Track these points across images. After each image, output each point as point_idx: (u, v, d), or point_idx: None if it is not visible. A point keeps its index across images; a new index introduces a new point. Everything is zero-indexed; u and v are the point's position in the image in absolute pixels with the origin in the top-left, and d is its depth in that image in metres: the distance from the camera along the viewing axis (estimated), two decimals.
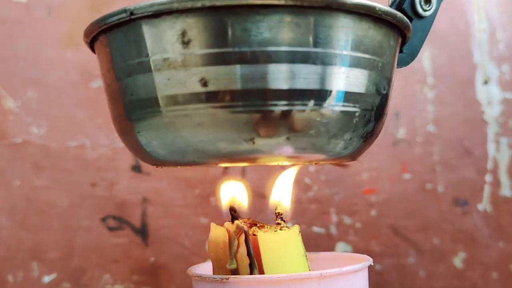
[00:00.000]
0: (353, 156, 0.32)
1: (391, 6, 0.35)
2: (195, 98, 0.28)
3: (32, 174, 0.52)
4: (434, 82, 0.59)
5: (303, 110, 0.28)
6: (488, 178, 0.59)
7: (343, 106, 0.29)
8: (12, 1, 0.53)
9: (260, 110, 0.28)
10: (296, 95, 0.28)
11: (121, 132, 0.33)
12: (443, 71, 0.60)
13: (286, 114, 0.28)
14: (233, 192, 0.38)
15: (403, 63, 0.35)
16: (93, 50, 0.33)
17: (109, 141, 0.54)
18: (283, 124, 0.28)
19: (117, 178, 0.54)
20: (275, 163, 0.32)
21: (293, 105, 0.28)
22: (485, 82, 0.60)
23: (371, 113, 0.31)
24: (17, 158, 0.52)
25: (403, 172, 0.59)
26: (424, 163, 0.59)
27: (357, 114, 0.30)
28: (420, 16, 0.35)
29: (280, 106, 0.28)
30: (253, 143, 0.28)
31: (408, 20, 0.31)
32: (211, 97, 0.28)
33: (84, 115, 0.54)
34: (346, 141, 0.30)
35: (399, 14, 0.30)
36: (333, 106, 0.29)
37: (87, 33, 0.31)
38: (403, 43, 0.34)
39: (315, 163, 0.33)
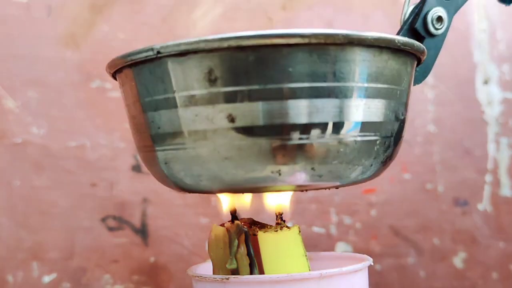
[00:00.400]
0: (370, 179, 0.33)
1: (403, 25, 0.35)
2: (222, 133, 0.29)
3: (32, 174, 0.52)
4: (434, 82, 0.59)
5: (327, 142, 0.29)
6: (488, 178, 0.59)
7: (364, 135, 0.30)
8: (12, 1, 0.53)
9: (286, 144, 0.29)
10: (320, 128, 0.29)
11: (147, 162, 0.34)
12: (443, 71, 0.60)
13: (311, 146, 0.29)
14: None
15: (416, 81, 0.36)
16: (114, 79, 0.34)
17: (109, 141, 0.54)
18: (309, 155, 0.29)
19: (117, 178, 0.54)
20: (298, 190, 0.34)
21: (318, 137, 0.29)
22: (485, 82, 0.60)
23: (390, 139, 0.32)
24: (17, 158, 0.52)
25: (403, 172, 0.59)
26: (424, 163, 0.59)
27: (378, 142, 0.31)
28: (432, 35, 0.35)
29: (305, 139, 0.29)
30: (280, 174, 0.30)
31: (423, 46, 0.32)
32: (239, 132, 0.29)
33: (84, 115, 0.54)
34: (366, 167, 0.31)
35: (416, 43, 0.31)
36: (355, 136, 0.30)
37: (111, 66, 0.32)
38: (417, 65, 0.34)
39: (336, 188, 0.34)
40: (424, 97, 0.59)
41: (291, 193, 0.38)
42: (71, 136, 0.53)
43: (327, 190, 0.57)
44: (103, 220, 0.54)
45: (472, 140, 0.59)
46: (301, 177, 0.30)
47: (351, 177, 0.31)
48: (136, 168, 0.54)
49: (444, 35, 0.36)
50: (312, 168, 0.30)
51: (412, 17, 0.35)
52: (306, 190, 0.35)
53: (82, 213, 0.53)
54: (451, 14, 0.36)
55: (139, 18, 0.55)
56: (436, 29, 0.35)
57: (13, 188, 0.52)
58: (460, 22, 0.60)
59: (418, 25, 0.35)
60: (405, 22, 0.35)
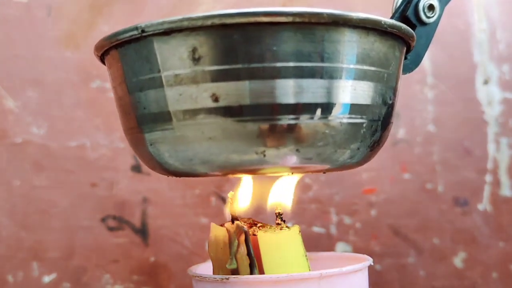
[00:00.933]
0: (359, 164, 0.33)
1: (394, 13, 0.35)
2: (206, 113, 0.29)
3: (32, 174, 0.53)
4: (434, 82, 0.59)
5: (312, 123, 0.29)
6: (488, 178, 0.59)
7: (350, 118, 0.30)
8: (12, 1, 0.53)
9: (270, 124, 0.29)
10: (305, 108, 0.29)
11: (133, 144, 0.33)
12: (443, 71, 0.60)
13: (295, 127, 0.29)
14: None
15: (407, 69, 0.36)
16: (103, 63, 0.34)
17: (109, 141, 0.54)
18: (293, 136, 0.29)
19: (117, 178, 0.54)
20: (283, 173, 0.33)
21: (302, 118, 0.29)
22: (485, 82, 0.60)
23: (378, 123, 0.31)
24: (17, 158, 0.52)
25: (403, 172, 0.59)
26: (424, 163, 0.59)
27: (364, 125, 0.31)
28: (423, 23, 0.35)
29: (290, 120, 0.29)
30: (264, 155, 0.29)
31: (412, 31, 0.32)
32: (222, 112, 0.28)
33: (84, 115, 0.54)
34: (353, 150, 0.31)
35: (404, 26, 0.31)
36: (341, 118, 0.30)
37: (98, 48, 0.32)
38: (407, 51, 0.34)
39: (323, 172, 0.33)
40: (424, 97, 0.59)
41: (292, 193, 0.39)
42: (71, 136, 0.53)
43: (327, 189, 0.57)
44: (103, 220, 0.54)
45: (472, 140, 0.59)
46: (287, 159, 0.30)
47: (339, 160, 0.31)
48: (136, 168, 0.54)
49: (435, 23, 0.36)
50: (297, 150, 0.29)
51: (403, 5, 0.35)
52: (293, 173, 0.34)
53: (82, 213, 0.53)
54: (443, 2, 0.36)
55: (139, 18, 0.55)
56: (428, 17, 0.35)
57: (13, 188, 0.52)
58: (460, 22, 0.60)
59: (410, 13, 0.35)
60: (396, 10, 0.35)
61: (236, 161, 0.30)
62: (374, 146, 0.32)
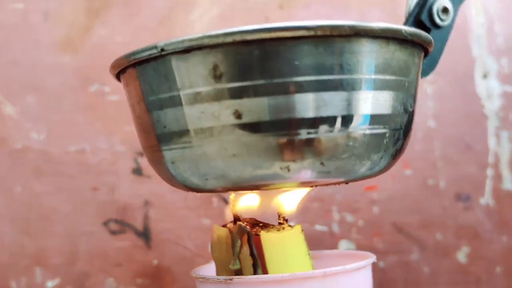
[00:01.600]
0: (381, 173, 0.33)
1: (408, 17, 0.35)
2: (229, 130, 0.28)
3: (33, 180, 0.52)
4: (433, 77, 0.59)
5: (336, 136, 0.29)
6: (489, 172, 0.59)
7: (373, 128, 0.30)
8: (8, 7, 0.53)
9: (294, 139, 0.28)
10: (328, 121, 0.28)
11: (153, 162, 0.33)
12: (442, 66, 0.59)
13: (320, 141, 0.29)
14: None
15: (423, 74, 0.35)
16: (118, 80, 0.33)
17: (109, 145, 0.54)
18: (317, 150, 0.29)
19: (118, 182, 0.54)
20: (307, 187, 0.33)
21: (326, 131, 0.29)
22: (484, 76, 0.60)
23: (400, 132, 0.31)
24: (17, 164, 0.52)
25: (404, 168, 0.58)
26: (425, 159, 0.59)
27: (387, 134, 0.31)
28: (438, 27, 0.35)
29: (313, 134, 0.28)
30: (288, 170, 0.29)
31: (430, 37, 0.32)
32: (246, 128, 0.28)
33: (83, 120, 0.54)
34: (377, 161, 0.31)
35: (423, 33, 0.31)
36: (364, 129, 0.29)
37: (114, 66, 0.32)
38: (424, 57, 0.34)
39: (346, 183, 0.33)
40: (424, 93, 0.59)
41: (300, 196, 0.39)
42: (71, 141, 0.53)
43: (329, 187, 0.57)
44: (105, 224, 0.54)
45: (473, 135, 0.59)
46: (310, 173, 0.30)
47: (363, 171, 0.31)
48: (137, 171, 0.54)
49: (450, 26, 0.35)
50: (322, 163, 0.29)
51: (417, 8, 0.35)
52: (312, 186, 0.34)
53: (84, 217, 0.53)
54: (457, 5, 0.35)
55: (136, 21, 0.55)
56: (442, 20, 0.35)
57: (14, 194, 0.52)
58: (458, 17, 0.60)
59: (424, 16, 0.35)
60: (410, 14, 0.35)
61: (260, 177, 0.30)
62: (397, 154, 0.32)
